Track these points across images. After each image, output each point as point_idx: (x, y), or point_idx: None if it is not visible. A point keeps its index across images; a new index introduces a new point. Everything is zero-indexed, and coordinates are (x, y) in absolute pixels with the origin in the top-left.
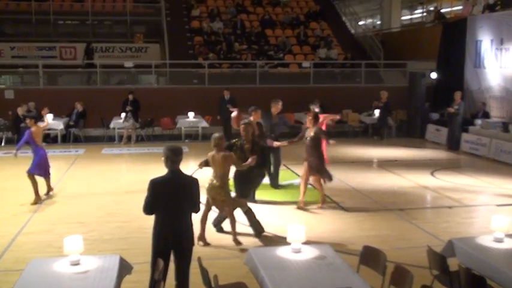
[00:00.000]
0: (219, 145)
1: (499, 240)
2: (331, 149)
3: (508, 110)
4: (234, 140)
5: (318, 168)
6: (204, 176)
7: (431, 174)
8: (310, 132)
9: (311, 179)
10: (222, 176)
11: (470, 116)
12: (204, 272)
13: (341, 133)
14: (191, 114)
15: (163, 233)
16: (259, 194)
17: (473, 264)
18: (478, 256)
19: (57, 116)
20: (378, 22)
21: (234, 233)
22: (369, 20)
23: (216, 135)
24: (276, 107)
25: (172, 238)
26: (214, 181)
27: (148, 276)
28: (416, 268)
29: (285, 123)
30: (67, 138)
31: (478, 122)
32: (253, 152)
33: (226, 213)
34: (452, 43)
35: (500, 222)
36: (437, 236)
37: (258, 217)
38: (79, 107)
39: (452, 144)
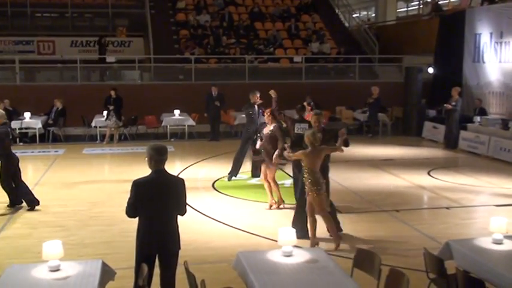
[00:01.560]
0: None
1: (498, 242)
2: None
3: (507, 107)
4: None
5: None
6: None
7: (428, 173)
8: (267, 130)
9: (268, 177)
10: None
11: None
12: (190, 277)
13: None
14: (177, 112)
15: (147, 237)
16: (250, 196)
17: (471, 267)
18: (477, 258)
19: (35, 114)
20: (373, 15)
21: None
22: (363, 13)
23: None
24: (254, 97)
25: (157, 242)
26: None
27: (132, 282)
28: (413, 271)
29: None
30: (46, 138)
31: (477, 119)
32: (325, 141)
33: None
34: (450, 37)
35: (499, 223)
36: (434, 237)
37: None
38: (58, 104)
39: (450, 142)
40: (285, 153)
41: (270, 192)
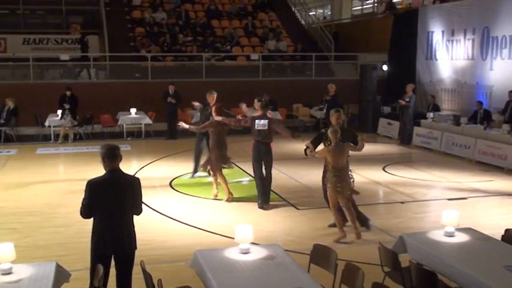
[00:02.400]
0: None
1: (450, 235)
2: (280, 145)
3: (459, 103)
4: (323, 130)
5: (217, 158)
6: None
7: (383, 169)
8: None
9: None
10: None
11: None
12: (147, 277)
13: (291, 128)
14: (133, 111)
15: (102, 237)
16: (207, 194)
17: (424, 259)
18: (429, 251)
19: None
20: (329, 13)
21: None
22: (320, 11)
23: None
24: (211, 97)
25: (112, 242)
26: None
27: (87, 283)
28: (368, 265)
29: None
30: None
31: (430, 115)
32: (344, 139)
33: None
34: (403, 34)
35: (450, 217)
36: (389, 232)
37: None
38: (10, 103)
39: (404, 138)
40: (308, 152)
41: (216, 184)
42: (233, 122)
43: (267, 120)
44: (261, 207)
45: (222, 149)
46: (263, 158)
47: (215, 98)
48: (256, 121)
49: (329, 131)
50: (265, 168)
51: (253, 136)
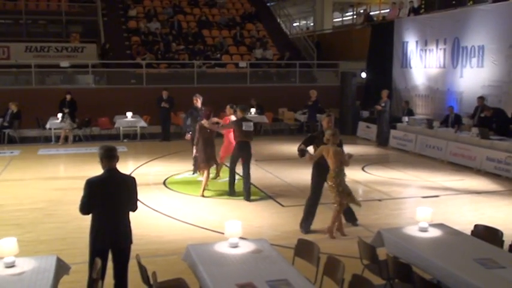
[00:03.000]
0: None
1: (424, 230)
2: (266, 147)
3: (432, 108)
4: (315, 133)
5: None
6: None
7: (362, 169)
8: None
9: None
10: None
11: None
12: (142, 270)
13: (277, 131)
14: (129, 114)
15: (100, 232)
16: (198, 192)
17: (400, 253)
18: (405, 245)
19: None
20: (311, 24)
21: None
22: (303, 22)
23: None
24: (195, 100)
25: (109, 237)
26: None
27: (86, 275)
28: (348, 258)
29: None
30: (1, 140)
31: (405, 119)
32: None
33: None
34: (380, 44)
35: (424, 213)
36: (367, 227)
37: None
38: (13, 107)
39: (382, 141)
40: (308, 155)
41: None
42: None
43: (252, 122)
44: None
45: (212, 149)
46: (245, 155)
47: (199, 100)
48: (244, 123)
49: (328, 133)
50: (245, 164)
51: (240, 137)
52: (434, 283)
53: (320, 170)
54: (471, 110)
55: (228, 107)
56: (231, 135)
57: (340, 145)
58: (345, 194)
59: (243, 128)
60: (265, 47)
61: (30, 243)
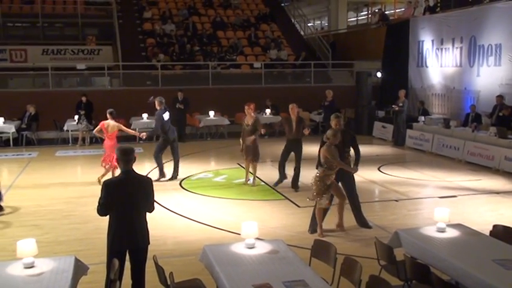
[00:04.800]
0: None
1: (442, 230)
2: (282, 147)
3: (448, 107)
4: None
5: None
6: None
7: (379, 169)
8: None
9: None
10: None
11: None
12: (159, 270)
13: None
14: (145, 116)
15: (118, 233)
16: (214, 193)
17: (418, 253)
18: (422, 246)
19: (8, 119)
20: (326, 24)
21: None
22: (317, 22)
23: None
24: (158, 103)
25: (127, 238)
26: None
27: (104, 276)
28: (365, 259)
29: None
30: (19, 142)
31: (422, 118)
32: (344, 142)
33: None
34: (396, 43)
35: (442, 214)
36: (384, 228)
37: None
38: (31, 109)
39: (398, 140)
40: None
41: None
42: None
43: None
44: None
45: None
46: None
47: (156, 104)
48: None
49: (329, 133)
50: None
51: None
52: (452, 284)
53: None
54: (488, 109)
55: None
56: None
57: (353, 141)
58: (322, 192)
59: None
60: (280, 47)
61: (49, 244)
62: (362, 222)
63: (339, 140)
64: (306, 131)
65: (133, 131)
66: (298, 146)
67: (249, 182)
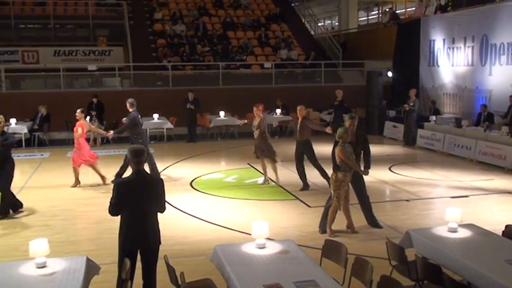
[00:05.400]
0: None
1: (453, 230)
2: (292, 147)
3: (460, 106)
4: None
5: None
6: (170, 176)
7: (389, 169)
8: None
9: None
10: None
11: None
12: (170, 270)
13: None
14: (156, 116)
15: (129, 233)
16: (225, 193)
17: (429, 253)
18: (434, 246)
19: (20, 120)
20: (336, 23)
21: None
22: (328, 22)
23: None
24: (128, 106)
25: (138, 238)
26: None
27: (115, 276)
28: (376, 259)
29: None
30: (32, 142)
31: (433, 118)
32: (358, 144)
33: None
34: (407, 43)
35: (453, 213)
36: (395, 228)
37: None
38: (43, 110)
39: (409, 140)
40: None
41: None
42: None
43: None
44: None
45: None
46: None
47: (128, 106)
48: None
49: (341, 131)
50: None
51: None
52: (464, 284)
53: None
54: (501, 108)
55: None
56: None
57: (366, 143)
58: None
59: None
60: (290, 47)
61: (61, 244)
62: (373, 222)
63: (350, 137)
64: (329, 129)
65: (102, 131)
66: (306, 147)
67: (262, 183)
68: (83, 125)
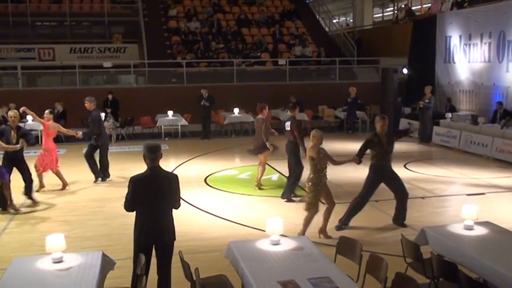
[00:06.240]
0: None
1: (469, 228)
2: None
3: (476, 103)
4: (369, 137)
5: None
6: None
7: (405, 166)
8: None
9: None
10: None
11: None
12: (185, 266)
13: (319, 128)
14: (170, 113)
15: (144, 229)
16: (239, 190)
17: (445, 251)
18: (450, 243)
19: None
20: (351, 20)
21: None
22: (342, 18)
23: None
24: (88, 104)
25: (153, 234)
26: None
27: (131, 271)
28: (391, 256)
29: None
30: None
31: (449, 115)
32: (389, 145)
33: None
34: (422, 39)
35: (469, 211)
36: (410, 225)
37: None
38: (59, 107)
39: (424, 137)
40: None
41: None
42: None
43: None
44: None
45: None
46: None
47: (87, 104)
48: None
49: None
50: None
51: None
52: (480, 282)
53: (377, 173)
54: None
55: (47, 112)
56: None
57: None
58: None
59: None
60: (305, 44)
61: (77, 239)
62: (401, 220)
63: (320, 142)
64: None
65: (72, 131)
66: (288, 148)
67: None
68: (48, 126)
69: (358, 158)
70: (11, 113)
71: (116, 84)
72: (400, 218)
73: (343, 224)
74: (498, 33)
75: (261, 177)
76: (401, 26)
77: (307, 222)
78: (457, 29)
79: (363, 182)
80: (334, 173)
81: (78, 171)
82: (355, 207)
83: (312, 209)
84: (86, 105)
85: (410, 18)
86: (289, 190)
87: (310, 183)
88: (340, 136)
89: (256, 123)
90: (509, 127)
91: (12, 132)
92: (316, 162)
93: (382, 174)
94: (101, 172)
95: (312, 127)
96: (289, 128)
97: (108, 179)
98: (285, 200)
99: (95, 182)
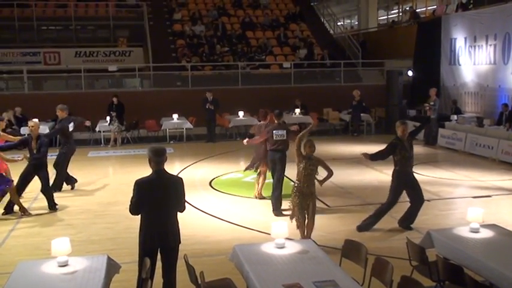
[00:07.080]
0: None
1: (475, 231)
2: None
3: (482, 105)
4: (394, 141)
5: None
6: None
7: None
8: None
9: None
10: None
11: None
12: (190, 269)
13: (322, 131)
14: (175, 116)
15: (149, 232)
16: (244, 193)
17: (450, 254)
18: (455, 246)
19: (42, 120)
20: (356, 22)
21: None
22: (347, 21)
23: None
24: (60, 112)
25: (158, 237)
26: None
27: (136, 274)
28: (397, 259)
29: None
30: (53, 142)
31: (454, 117)
32: (409, 147)
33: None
34: (427, 41)
35: (475, 214)
36: (416, 228)
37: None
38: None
39: (430, 140)
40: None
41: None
42: None
43: (285, 130)
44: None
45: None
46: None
47: (59, 112)
48: (275, 131)
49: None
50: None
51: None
52: (486, 285)
53: (401, 177)
54: None
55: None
56: None
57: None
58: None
59: (274, 137)
60: (310, 47)
61: (82, 243)
62: (408, 223)
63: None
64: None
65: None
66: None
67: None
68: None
69: (372, 156)
70: (30, 123)
71: (121, 87)
72: (407, 221)
73: (365, 230)
74: (503, 35)
75: (261, 187)
76: (406, 28)
77: (300, 226)
78: (462, 31)
79: (364, 185)
80: (339, 176)
81: (83, 174)
82: (380, 214)
83: (295, 217)
84: (57, 113)
85: (415, 21)
86: (277, 204)
87: (293, 189)
88: (345, 139)
89: (258, 129)
90: None
91: (33, 142)
92: (300, 160)
93: (406, 180)
94: (56, 182)
95: (316, 130)
96: (284, 138)
97: (57, 191)
98: (276, 215)
99: (72, 189)
